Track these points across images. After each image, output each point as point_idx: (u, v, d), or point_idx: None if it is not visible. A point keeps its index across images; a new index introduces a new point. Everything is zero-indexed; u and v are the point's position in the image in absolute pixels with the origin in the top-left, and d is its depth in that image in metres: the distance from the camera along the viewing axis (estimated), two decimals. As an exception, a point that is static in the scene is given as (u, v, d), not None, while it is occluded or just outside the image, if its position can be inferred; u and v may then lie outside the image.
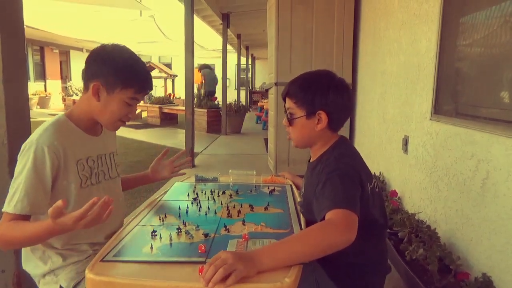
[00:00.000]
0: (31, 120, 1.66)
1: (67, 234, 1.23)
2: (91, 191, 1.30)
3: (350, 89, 1.35)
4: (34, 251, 1.26)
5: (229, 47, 10.49)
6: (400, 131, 3.01)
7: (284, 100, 1.37)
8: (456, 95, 2.32)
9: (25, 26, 1.60)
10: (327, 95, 1.28)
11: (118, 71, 1.22)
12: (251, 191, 1.66)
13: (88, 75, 1.25)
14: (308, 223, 1.30)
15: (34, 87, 14.71)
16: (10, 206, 1.11)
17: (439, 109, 2.41)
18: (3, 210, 1.12)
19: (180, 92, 14.04)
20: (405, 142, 2.87)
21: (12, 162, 1.50)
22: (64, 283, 1.23)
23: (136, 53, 1.32)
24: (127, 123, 1.38)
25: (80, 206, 1.22)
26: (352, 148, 1.38)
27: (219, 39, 9.66)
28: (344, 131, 4.27)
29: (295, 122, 1.33)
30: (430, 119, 2.46)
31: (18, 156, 1.16)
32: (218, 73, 10.23)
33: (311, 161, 1.42)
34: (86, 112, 1.29)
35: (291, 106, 1.33)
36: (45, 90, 15.64)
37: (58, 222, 0.99)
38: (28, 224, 1.13)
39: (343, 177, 1.16)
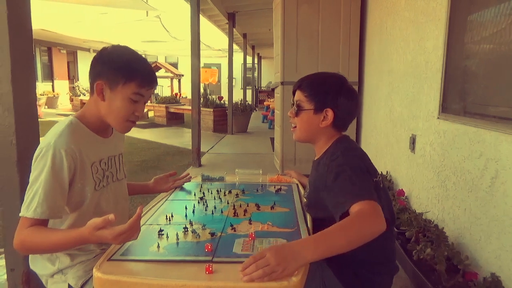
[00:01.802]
0: (39, 120, 1.68)
1: (74, 254, 1.25)
2: (102, 193, 1.30)
3: (358, 96, 1.41)
4: None
5: (235, 46, 10.50)
6: (407, 130, 2.99)
7: (294, 93, 1.41)
8: (464, 94, 2.30)
9: (32, 28, 1.61)
10: (338, 96, 1.33)
11: (119, 66, 1.21)
12: (257, 190, 1.66)
13: (92, 76, 1.25)
14: (315, 221, 1.30)
15: (42, 87, 14.84)
16: (30, 211, 1.10)
17: (447, 108, 2.39)
18: (20, 215, 1.11)
19: (186, 91, 14.07)
20: (413, 141, 2.85)
21: (20, 161, 1.52)
22: (72, 282, 1.24)
23: (142, 52, 1.34)
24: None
25: (91, 209, 1.23)
26: (355, 144, 1.40)
27: (225, 39, 9.67)
28: (351, 130, 4.26)
29: (301, 113, 1.36)
30: (438, 118, 2.44)
31: (34, 160, 1.15)
32: (224, 72, 10.22)
33: (315, 159, 1.43)
34: (96, 114, 1.28)
35: (301, 99, 1.36)
36: (53, 90, 15.77)
37: (97, 234, 1.00)
38: (54, 231, 1.13)
39: (356, 170, 1.16)
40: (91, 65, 1.26)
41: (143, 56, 1.32)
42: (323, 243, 0.97)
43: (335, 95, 1.32)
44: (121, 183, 1.44)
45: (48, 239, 1.10)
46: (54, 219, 1.17)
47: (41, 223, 1.12)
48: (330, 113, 1.32)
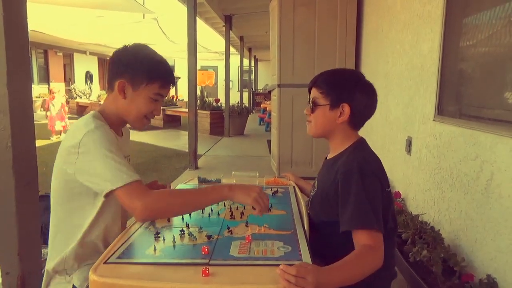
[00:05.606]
0: (35, 122, 1.67)
1: (83, 256, 1.25)
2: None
3: (376, 92, 1.37)
4: (54, 253, 1.26)
5: (232, 49, 10.53)
6: (403, 132, 3.01)
7: (310, 91, 1.39)
8: (460, 96, 2.32)
9: (29, 30, 1.60)
10: (354, 91, 1.31)
11: (143, 67, 1.24)
12: (254, 193, 1.65)
13: (113, 74, 1.27)
14: (314, 224, 1.30)
15: (38, 89, 14.78)
16: (123, 180, 1.08)
17: (442, 110, 2.40)
18: (113, 188, 1.08)
19: (183, 94, 14.07)
20: (409, 143, 2.87)
21: (16, 164, 1.51)
22: (77, 283, 1.24)
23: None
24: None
25: (104, 208, 1.23)
26: (372, 152, 1.36)
27: (222, 41, 9.68)
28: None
29: (317, 109, 1.33)
30: (434, 120, 2.46)
31: (77, 147, 1.13)
32: (221, 75, 10.22)
33: (328, 158, 1.42)
34: (114, 111, 1.30)
35: (316, 96, 1.34)
36: (49, 93, 15.72)
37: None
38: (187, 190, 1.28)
39: (372, 192, 1.17)
40: (112, 63, 1.28)
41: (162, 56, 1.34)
42: (339, 276, 1.01)
43: (351, 90, 1.31)
44: None
45: (184, 197, 1.19)
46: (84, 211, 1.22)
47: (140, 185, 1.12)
48: (346, 108, 1.30)
